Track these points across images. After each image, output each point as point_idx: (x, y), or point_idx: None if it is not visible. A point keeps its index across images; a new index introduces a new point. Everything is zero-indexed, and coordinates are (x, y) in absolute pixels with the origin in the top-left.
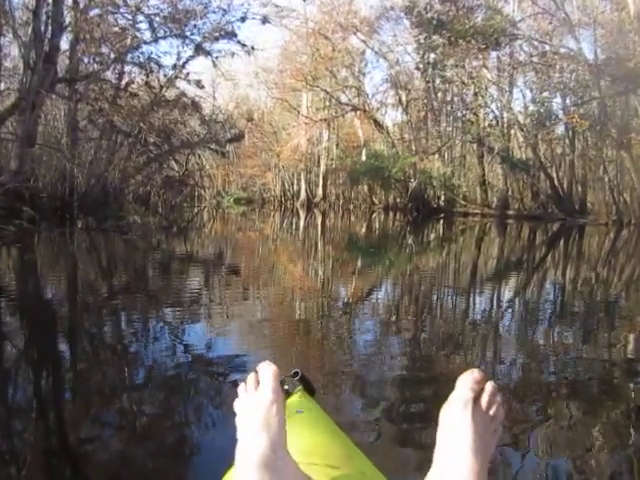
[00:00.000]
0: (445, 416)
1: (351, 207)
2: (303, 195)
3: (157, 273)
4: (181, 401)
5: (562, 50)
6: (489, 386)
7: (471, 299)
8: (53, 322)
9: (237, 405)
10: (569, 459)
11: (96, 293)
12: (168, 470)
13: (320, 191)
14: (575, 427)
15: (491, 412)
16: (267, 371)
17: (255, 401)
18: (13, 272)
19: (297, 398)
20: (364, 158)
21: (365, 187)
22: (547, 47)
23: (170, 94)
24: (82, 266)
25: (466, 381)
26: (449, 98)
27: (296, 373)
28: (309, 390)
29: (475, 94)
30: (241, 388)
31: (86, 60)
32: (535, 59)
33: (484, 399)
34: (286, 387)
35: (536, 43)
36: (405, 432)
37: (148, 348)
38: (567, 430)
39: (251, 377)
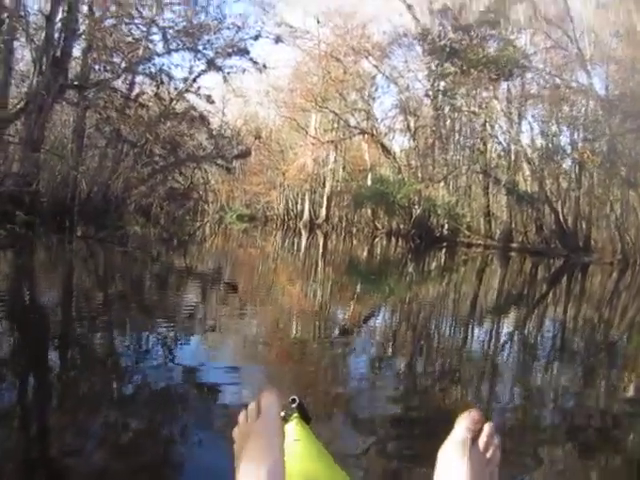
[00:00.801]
0: (443, 456)
1: (354, 230)
2: (306, 215)
3: (152, 286)
4: (169, 418)
5: (574, 84)
6: (487, 428)
7: (470, 332)
8: (38, 330)
9: (236, 433)
10: None
11: (84, 304)
12: None
13: (324, 212)
14: (570, 473)
15: (488, 454)
16: (270, 401)
17: (256, 431)
18: None
19: (293, 425)
20: (369, 182)
21: (369, 211)
22: (558, 80)
23: (179, 107)
24: (71, 274)
25: (464, 422)
26: (458, 127)
27: (294, 400)
28: (305, 417)
29: (484, 124)
30: (242, 416)
31: (97, 68)
32: (547, 92)
33: (482, 440)
34: (282, 414)
35: (547, 77)
36: (396, 469)
37: (137, 361)
38: (562, 476)
39: (252, 407)
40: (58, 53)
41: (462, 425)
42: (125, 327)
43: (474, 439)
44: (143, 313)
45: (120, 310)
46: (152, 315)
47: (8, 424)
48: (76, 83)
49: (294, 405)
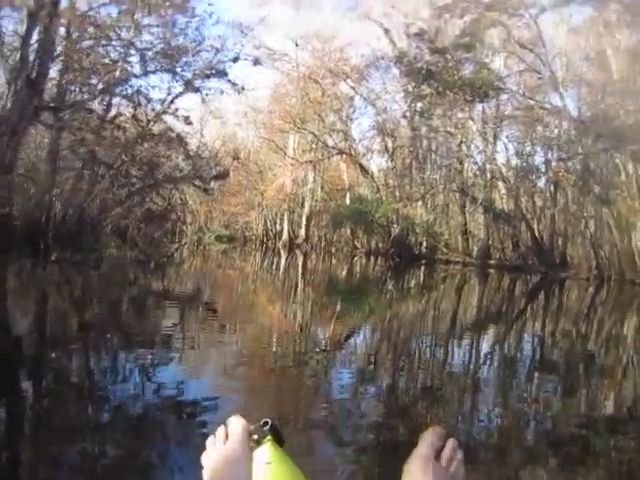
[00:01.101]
0: (408, 471)
1: (333, 250)
2: (285, 235)
3: (128, 310)
4: (146, 443)
5: (547, 106)
6: (450, 443)
7: (449, 349)
8: (10, 357)
9: (204, 458)
10: None
11: (58, 329)
12: None
13: (303, 232)
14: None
15: (452, 469)
16: (236, 425)
17: (223, 456)
18: None
19: (266, 449)
20: (348, 202)
21: (348, 230)
22: (532, 102)
23: (157, 128)
24: (45, 300)
25: (427, 438)
26: (434, 147)
27: (266, 422)
28: (278, 440)
29: (460, 144)
30: (209, 441)
31: (73, 89)
32: (521, 113)
33: (445, 455)
34: (255, 437)
35: (521, 98)
36: None
37: (112, 387)
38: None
39: (220, 431)
40: (33, 74)
41: (425, 441)
42: (100, 353)
43: (437, 455)
44: (119, 338)
45: (95, 336)
46: (128, 341)
47: None
48: (51, 105)
49: (266, 427)
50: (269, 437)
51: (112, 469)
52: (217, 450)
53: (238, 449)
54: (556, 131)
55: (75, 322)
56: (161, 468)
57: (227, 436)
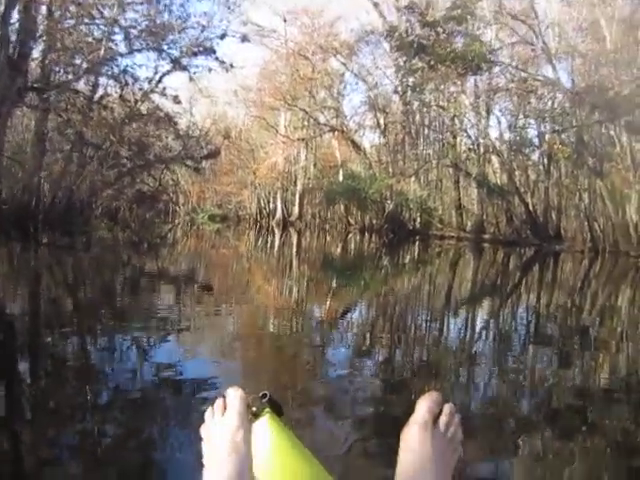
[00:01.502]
0: (405, 438)
1: (327, 227)
2: (279, 214)
3: (123, 291)
4: (146, 422)
5: (540, 78)
6: (447, 407)
7: (445, 322)
8: (7, 339)
9: (203, 430)
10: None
11: (52, 311)
12: None
13: (296, 210)
14: (550, 457)
15: (449, 433)
16: (234, 397)
17: (221, 427)
18: None
19: (265, 420)
20: (341, 178)
21: (342, 207)
22: (525, 74)
23: (145, 108)
24: (37, 283)
25: (425, 403)
26: (427, 122)
27: (264, 395)
28: (277, 411)
29: (453, 119)
30: (208, 413)
31: (58, 70)
32: (514, 85)
33: (442, 420)
34: (254, 409)
35: (514, 71)
36: (373, 455)
37: (110, 367)
38: (541, 461)
39: (218, 402)
40: (15, 55)
41: (422, 407)
42: (95, 334)
43: (435, 420)
44: (114, 318)
45: (89, 317)
46: (124, 320)
47: None
48: (36, 85)
49: (265, 400)
50: (267, 409)
51: (112, 448)
52: (216, 422)
53: (237, 420)
54: (550, 103)
55: (69, 304)
56: (160, 446)
57: (225, 408)
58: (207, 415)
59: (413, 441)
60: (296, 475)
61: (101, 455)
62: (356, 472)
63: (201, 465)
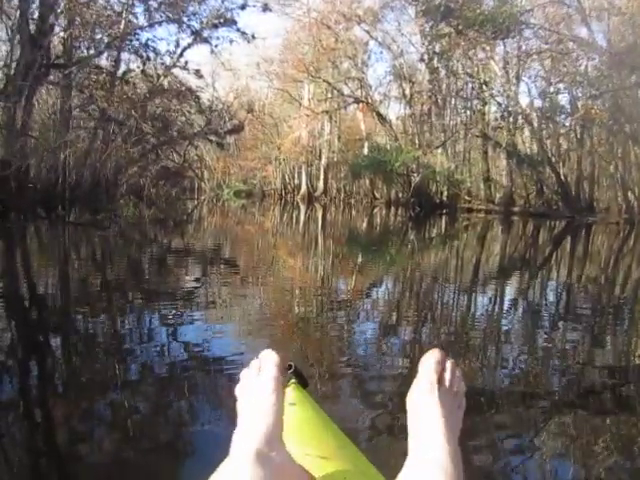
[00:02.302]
0: (413, 399)
1: (352, 201)
2: (304, 189)
3: (148, 268)
4: (176, 398)
5: (574, 40)
6: (449, 364)
7: (473, 299)
8: (38, 317)
9: (238, 390)
10: (574, 468)
11: (84, 289)
12: (163, 466)
13: (321, 185)
14: (582, 436)
15: (455, 388)
16: (269, 359)
17: (256, 387)
18: None
19: (290, 391)
20: (366, 151)
21: (367, 181)
22: (558, 36)
23: (168, 83)
24: (66, 261)
25: (428, 363)
26: (454, 91)
27: (290, 366)
28: (302, 383)
29: (481, 86)
30: (243, 373)
31: (79, 46)
32: (546, 49)
33: (447, 377)
34: None
35: (547, 33)
36: (397, 429)
37: (140, 344)
38: (573, 439)
39: (254, 363)
40: (36, 31)
41: (426, 366)
42: (124, 311)
43: (439, 377)
44: (143, 295)
45: (117, 295)
46: (150, 296)
47: (12, 414)
48: (58, 62)
49: (290, 371)
50: (293, 380)
51: (142, 423)
52: (251, 382)
53: (271, 383)
54: (584, 66)
55: (97, 281)
56: (190, 422)
57: (260, 369)
58: (242, 375)
59: (421, 402)
60: (320, 444)
61: (132, 427)
62: (379, 445)
63: (231, 432)
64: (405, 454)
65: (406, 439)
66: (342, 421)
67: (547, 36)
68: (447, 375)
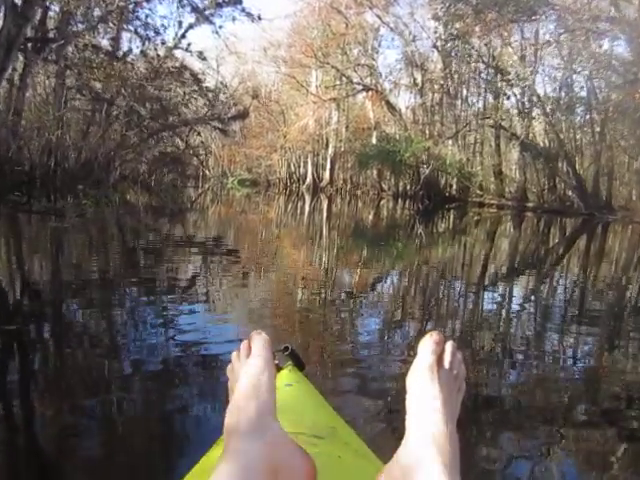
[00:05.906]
0: (413, 382)
1: (359, 193)
2: (309, 178)
3: (146, 257)
4: (171, 388)
5: (600, 25)
6: (449, 346)
7: (480, 297)
8: (24, 304)
9: (229, 371)
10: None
11: (73, 277)
12: (156, 452)
13: (327, 175)
14: (594, 439)
15: (454, 371)
16: (259, 340)
17: (246, 368)
18: None
19: (287, 372)
20: (374, 141)
21: (374, 172)
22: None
23: (169, 65)
24: (60, 248)
25: (428, 345)
26: (468, 79)
27: (286, 348)
28: (299, 365)
29: (496, 74)
30: (234, 355)
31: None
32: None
33: (447, 359)
34: (276, 362)
35: (569, 16)
36: (392, 411)
37: (133, 334)
38: (586, 442)
39: (244, 344)
40: (19, 1)
41: (426, 349)
42: (121, 300)
43: (439, 359)
44: (138, 285)
45: (114, 283)
46: (148, 287)
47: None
48: (48, 36)
49: (287, 353)
50: (290, 362)
51: (136, 416)
52: (241, 363)
53: (261, 362)
54: (609, 53)
55: (92, 269)
56: (186, 411)
57: (250, 351)
58: (233, 356)
59: (420, 385)
60: (314, 424)
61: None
62: (380, 432)
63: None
64: (401, 438)
65: (403, 423)
66: (339, 405)
67: (571, 19)
68: (447, 357)
